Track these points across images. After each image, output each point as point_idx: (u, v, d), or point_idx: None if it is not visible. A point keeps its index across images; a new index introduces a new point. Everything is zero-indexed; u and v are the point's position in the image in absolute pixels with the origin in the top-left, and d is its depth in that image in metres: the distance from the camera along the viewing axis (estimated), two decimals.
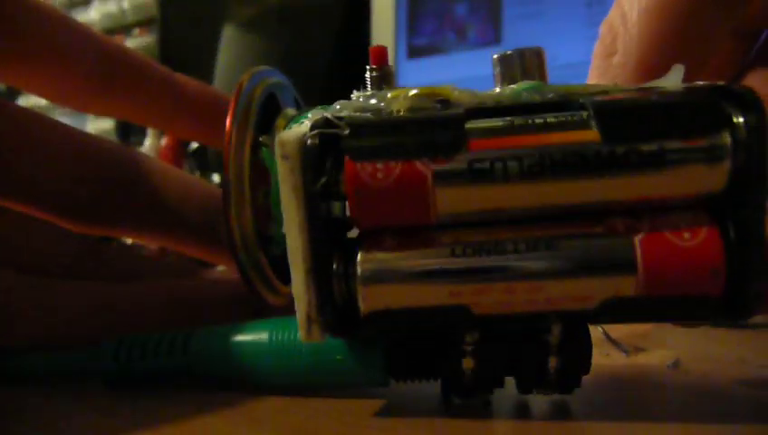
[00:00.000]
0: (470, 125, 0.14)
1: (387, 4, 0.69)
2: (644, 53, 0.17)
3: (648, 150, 0.13)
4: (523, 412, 0.16)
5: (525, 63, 0.15)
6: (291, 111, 0.18)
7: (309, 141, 0.14)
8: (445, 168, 0.13)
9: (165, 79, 0.25)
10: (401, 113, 0.14)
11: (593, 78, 0.19)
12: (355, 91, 0.15)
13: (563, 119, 0.13)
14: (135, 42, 1.22)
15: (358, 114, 0.14)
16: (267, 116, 0.18)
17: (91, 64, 0.23)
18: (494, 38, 0.64)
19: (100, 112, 0.25)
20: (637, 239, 0.13)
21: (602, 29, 0.18)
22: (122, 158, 0.22)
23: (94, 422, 0.15)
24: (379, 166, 0.13)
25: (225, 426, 0.15)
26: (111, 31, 1.25)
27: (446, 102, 0.14)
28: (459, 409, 0.16)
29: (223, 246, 0.24)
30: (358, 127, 0.14)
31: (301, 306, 0.14)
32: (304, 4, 0.81)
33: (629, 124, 0.13)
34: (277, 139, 0.14)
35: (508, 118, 0.14)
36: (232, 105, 0.17)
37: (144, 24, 1.21)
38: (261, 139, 0.17)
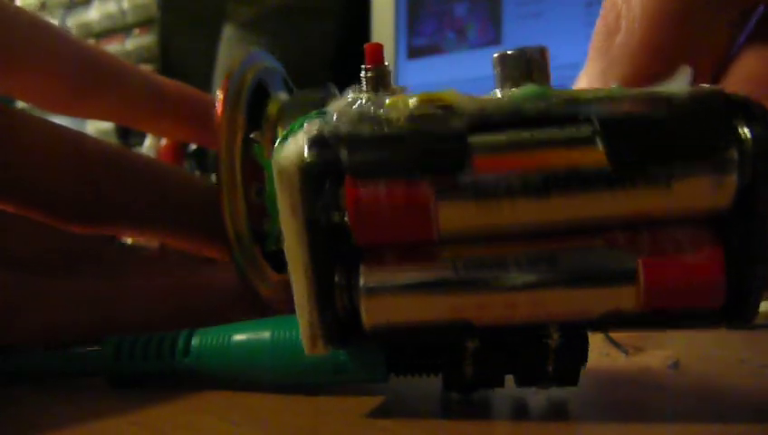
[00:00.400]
0: (473, 139, 0.13)
1: (387, 4, 0.69)
2: (647, 31, 0.16)
3: (654, 172, 0.12)
4: (522, 412, 0.16)
5: (527, 64, 0.14)
6: (282, 96, 0.18)
7: (306, 161, 0.13)
8: (448, 187, 0.13)
9: (145, 80, 0.25)
10: (401, 122, 0.13)
11: (593, 59, 0.18)
12: (350, 92, 0.15)
13: (569, 134, 0.13)
14: (135, 42, 1.22)
15: (356, 127, 0.13)
16: (258, 104, 0.18)
17: (72, 69, 0.23)
18: (495, 38, 0.64)
19: (83, 115, 0.26)
20: (640, 258, 0.13)
21: (605, 5, 0.17)
22: (121, 157, 0.22)
23: (93, 421, 0.15)
24: (381, 185, 0.13)
25: (226, 426, 0.15)
26: (111, 31, 1.25)
27: (447, 108, 0.14)
28: (459, 409, 0.16)
29: (225, 242, 0.24)
30: (357, 144, 0.13)
31: (303, 322, 0.14)
32: (304, 5, 0.81)
33: (636, 143, 0.13)
34: (273, 159, 0.13)
35: (512, 132, 0.13)
36: (222, 91, 0.17)
37: (144, 24, 1.21)
38: (252, 135, 0.17)
